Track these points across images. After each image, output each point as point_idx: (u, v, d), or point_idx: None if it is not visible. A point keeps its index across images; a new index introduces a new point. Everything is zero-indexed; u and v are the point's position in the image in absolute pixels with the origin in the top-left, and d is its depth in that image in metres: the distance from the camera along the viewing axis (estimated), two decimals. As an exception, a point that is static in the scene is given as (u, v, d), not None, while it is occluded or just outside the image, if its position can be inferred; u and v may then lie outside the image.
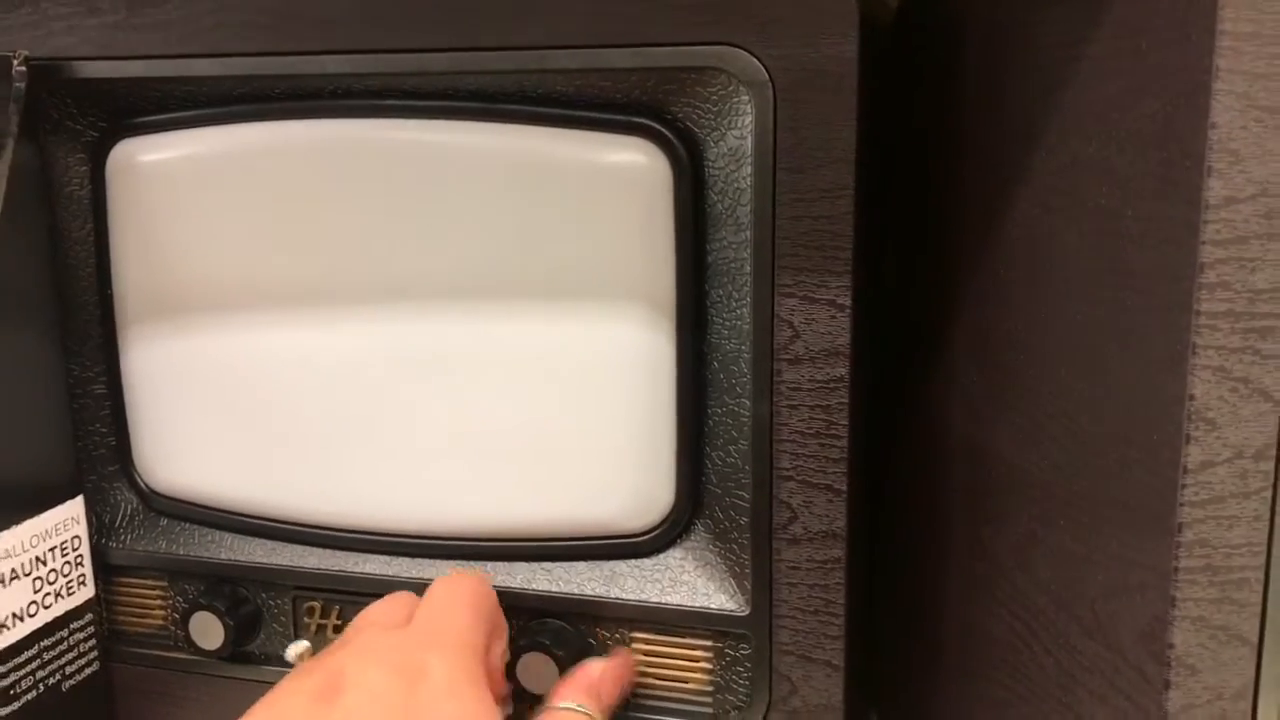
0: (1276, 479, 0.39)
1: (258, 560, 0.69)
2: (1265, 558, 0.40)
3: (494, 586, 0.62)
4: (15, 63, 0.62)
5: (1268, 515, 0.39)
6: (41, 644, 0.66)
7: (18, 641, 0.64)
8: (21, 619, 0.64)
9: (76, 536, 0.68)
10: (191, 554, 0.70)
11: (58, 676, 0.67)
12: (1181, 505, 0.39)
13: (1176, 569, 0.40)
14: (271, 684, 0.64)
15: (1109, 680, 0.46)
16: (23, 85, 0.62)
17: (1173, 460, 0.40)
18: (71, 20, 0.63)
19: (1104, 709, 0.47)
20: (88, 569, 0.69)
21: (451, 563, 0.66)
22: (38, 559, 0.65)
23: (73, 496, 0.67)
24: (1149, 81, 0.42)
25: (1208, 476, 0.39)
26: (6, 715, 0.64)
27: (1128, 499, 0.44)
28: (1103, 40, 0.46)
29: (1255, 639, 0.40)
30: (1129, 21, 0.44)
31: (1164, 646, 0.41)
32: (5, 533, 0.63)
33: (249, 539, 0.69)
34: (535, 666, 0.62)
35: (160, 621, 0.72)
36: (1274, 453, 0.39)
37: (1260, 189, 0.38)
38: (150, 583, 0.71)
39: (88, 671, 0.69)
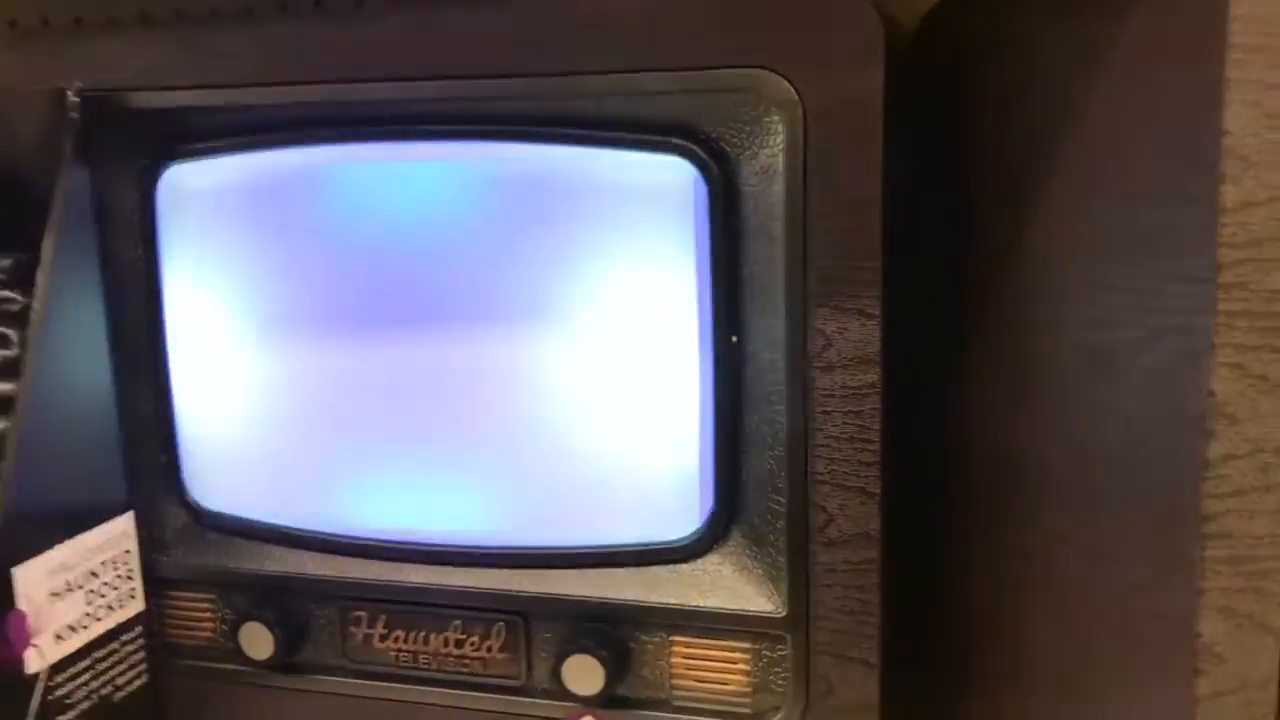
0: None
1: (305, 572, 0.69)
2: (1288, 549, 0.41)
3: (535, 593, 0.64)
4: (70, 94, 0.64)
5: (1289, 508, 0.41)
6: (94, 655, 0.67)
7: (73, 652, 0.65)
8: (76, 630, 0.65)
9: (128, 551, 0.69)
10: (240, 567, 0.71)
11: (110, 688, 0.68)
12: (1204, 498, 0.40)
13: (1202, 559, 0.41)
14: (319, 694, 0.64)
15: (1138, 671, 0.47)
16: (76, 115, 0.64)
17: (1194, 454, 0.41)
18: (123, 53, 0.65)
19: (1134, 700, 0.48)
20: (138, 583, 0.70)
21: (495, 571, 0.67)
22: (91, 572, 0.66)
23: (124, 512, 0.69)
24: (1163, 96, 0.43)
25: (1229, 469, 0.40)
26: (63, 724, 0.65)
27: (1152, 494, 0.45)
28: (1118, 59, 0.47)
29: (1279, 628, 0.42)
30: (1143, 40, 0.45)
31: (1192, 635, 0.42)
32: (61, 546, 0.64)
33: (296, 551, 0.70)
34: (579, 667, 0.64)
35: (209, 634, 0.73)
36: (1293, 446, 0.40)
37: (1273, 194, 0.39)
38: (200, 595, 0.72)
39: (138, 683, 0.70)
